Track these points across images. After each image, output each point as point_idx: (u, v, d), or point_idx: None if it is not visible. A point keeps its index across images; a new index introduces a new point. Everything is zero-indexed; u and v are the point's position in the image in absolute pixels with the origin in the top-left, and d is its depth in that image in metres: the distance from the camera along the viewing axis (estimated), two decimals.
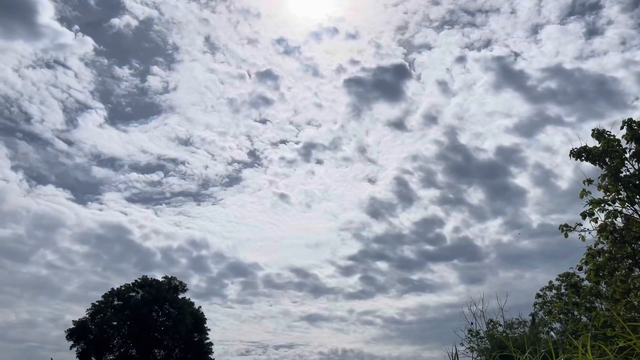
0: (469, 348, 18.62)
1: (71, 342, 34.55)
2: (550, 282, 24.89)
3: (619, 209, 13.72)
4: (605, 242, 16.43)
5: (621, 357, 4.19)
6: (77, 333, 34.84)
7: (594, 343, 4.67)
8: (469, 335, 19.84)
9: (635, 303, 13.25)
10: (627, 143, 13.26)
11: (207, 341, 37.80)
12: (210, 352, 37.17)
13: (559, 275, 24.19)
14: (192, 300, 39.09)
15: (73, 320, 35.79)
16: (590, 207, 13.91)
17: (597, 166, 13.82)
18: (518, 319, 23.26)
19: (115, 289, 38.16)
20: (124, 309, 36.18)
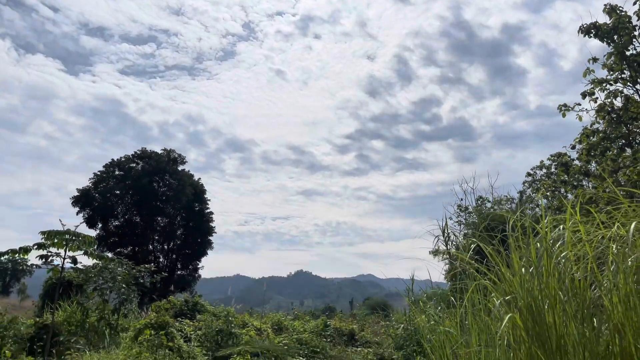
0: (457, 222, 19.57)
1: (77, 209, 36.06)
2: (542, 161, 25.39)
3: (620, 88, 13.55)
4: (601, 122, 16.46)
5: (606, 218, 4.40)
6: (82, 200, 36.20)
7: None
8: (458, 211, 20.73)
9: (622, 181, 13.67)
10: (637, 20, 12.72)
11: (208, 210, 39.48)
12: (211, 220, 39.01)
13: (551, 155, 24.61)
14: (191, 172, 40.08)
15: (77, 189, 37.00)
16: (592, 86, 13.73)
17: (605, 44, 13.39)
18: (506, 196, 24.14)
19: (115, 159, 38.90)
20: (125, 179, 37.23)
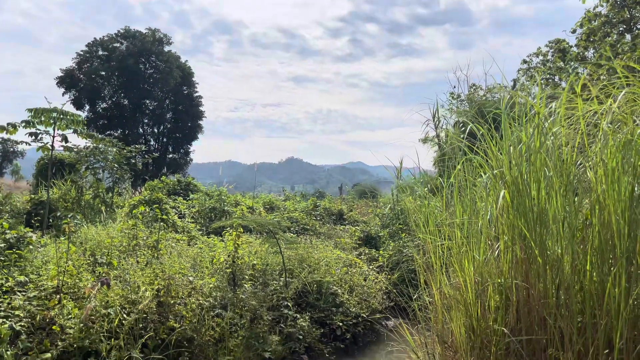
0: (449, 109, 19.50)
1: (62, 90, 35.24)
2: (539, 48, 24.72)
3: None
4: (604, 5, 15.75)
5: (601, 94, 4.37)
6: (67, 81, 35.26)
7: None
8: (451, 98, 20.56)
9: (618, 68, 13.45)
10: None
11: (197, 94, 38.81)
12: (200, 104, 38.53)
13: (549, 42, 23.89)
14: (178, 54, 38.69)
15: (60, 69, 35.83)
16: None
17: None
18: (499, 84, 23.80)
19: (98, 39, 37.26)
20: (109, 60, 36.00)
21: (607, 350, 3.86)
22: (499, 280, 4.63)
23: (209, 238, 9.33)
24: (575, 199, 4.47)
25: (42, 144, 10.56)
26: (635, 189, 3.94)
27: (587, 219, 4.40)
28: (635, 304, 3.89)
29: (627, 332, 3.77)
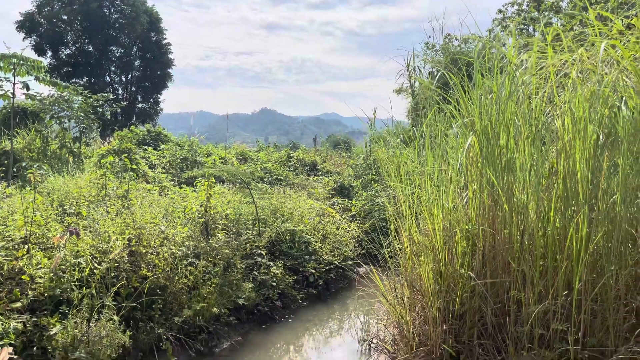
0: (423, 60, 19.36)
1: (22, 35, 33.47)
2: None
3: None
4: None
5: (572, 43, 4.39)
6: (27, 26, 33.44)
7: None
8: (425, 48, 20.36)
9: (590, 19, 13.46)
10: None
11: (165, 41, 37.39)
12: (170, 52, 37.20)
13: None
14: None
15: (20, 13, 33.89)
16: None
17: None
18: (475, 34, 23.62)
19: None
20: (71, 3, 34.13)
21: (566, 292, 4.05)
22: (467, 227, 4.76)
23: (180, 188, 9.25)
24: (543, 148, 4.56)
25: (3, 91, 10.13)
26: (600, 137, 4.03)
27: (553, 167, 4.51)
28: (595, 248, 4.06)
29: (586, 274, 3.95)
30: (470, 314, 4.60)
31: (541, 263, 4.32)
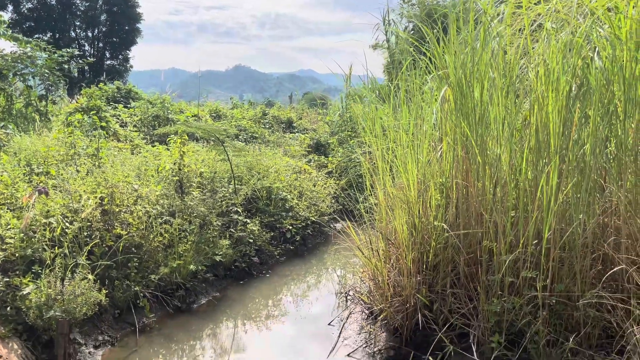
0: (400, 13, 19.04)
1: None
2: None
3: None
4: None
5: None
6: None
7: None
8: (402, 2, 20.01)
9: None
10: None
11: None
12: (137, 5, 35.69)
13: None
14: None
15: None
16: None
17: None
18: None
19: None
20: None
21: (536, 241, 4.16)
22: (441, 180, 4.80)
23: (153, 147, 9.07)
24: (517, 100, 4.57)
25: None
26: (573, 88, 4.04)
27: (526, 119, 4.53)
28: (564, 198, 4.14)
29: (555, 224, 4.05)
30: (444, 264, 4.70)
31: (512, 214, 4.41)
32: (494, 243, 4.31)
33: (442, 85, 4.64)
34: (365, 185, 5.68)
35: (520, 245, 4.18)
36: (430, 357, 4.33)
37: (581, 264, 4.01)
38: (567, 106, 4.00)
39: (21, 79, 11.94)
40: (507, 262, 4.13)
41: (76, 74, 25.16)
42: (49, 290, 4.24)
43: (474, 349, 4.14)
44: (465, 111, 4.47)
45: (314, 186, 9.66)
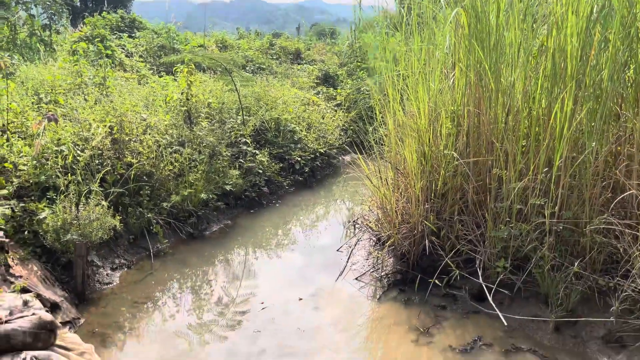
0: None
1: None
2: None
3: None
4: None
5: None
6: None
7: None
8: None
9: None
10: None
11: None
12: None
13: None
14: None
15: None
16: None
17: None
18: None
19: None
20: None
21: (546, 169, 4.14)
22: (452, 108, 4.73)
23: (160, 77, 8.95)
24: (534, 25, 4.40)
25: None
26: (594, 10, 3.88)
27: (543, 45, 4.39)
28: (577, 126, 4.08)
29: (567, 152, 4.01)
30: (452, 192, 4.72)
31: (523, 144, 4.37)
32: (503, 171, 4.31)
33: (457, 8, 4.46)
34: (375, 115, 5.62)
35: (530, 173, 4.17)
36: (436, 281, 4.45)
37: (591, 191, 4.01)
38: (586, 29, 3.85)
39: (23, 7, 11.65)
40: (516, 189, 4.14)
41: (78, 4, 24.49)
42: (65, 215, 4.33)
43: (479, 273, 4.24)
44: (479, 36, 4.33)
45: (323, 118, 9.58)
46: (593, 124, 3.99)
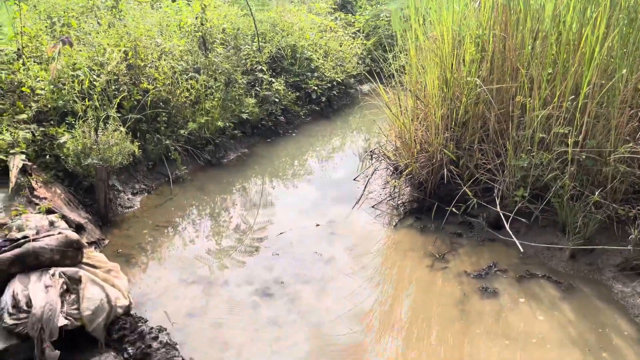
0: None
1: None
2: None
3: None
4: None
5: None
6: None
7: None
8: None
9: None
10: None
11: None
12: None
13: None
14: None
15: None
16: None
17: None
18: None
19: None
20: None
21: (572, 97, 4.01)
22: (477, 32, 4.53)
23: (173, 2, 8.67)
24: None
25: None
26: None
27: None
28: (608, 52, 3.90)
29: (596, 78, 3.86)
30: (473, 121, 4.63)
31: (549, 71, 4.21)
32: (528, 99, 4.18)
33: None
34: (396, 41, 5.43)
35: (556, 100, 4.05)
36: (453, 209, 4.46)
37: (618, 119, 3.89)
38: None
39: None
40: (539, 117, 4.04)
41: None
42: (85, 139, 4.36)
43: (497, 202, 4.23)
44: None
45: (340, 46, 9.31)
46: (625, 49, 3.81)
